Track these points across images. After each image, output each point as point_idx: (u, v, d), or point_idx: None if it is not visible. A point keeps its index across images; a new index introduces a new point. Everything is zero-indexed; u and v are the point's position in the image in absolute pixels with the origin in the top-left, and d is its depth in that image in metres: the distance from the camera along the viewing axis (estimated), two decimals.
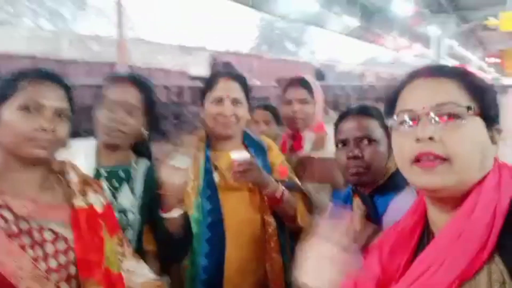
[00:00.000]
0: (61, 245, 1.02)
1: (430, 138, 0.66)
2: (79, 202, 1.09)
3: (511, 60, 23.70)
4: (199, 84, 11.30)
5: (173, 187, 1.31)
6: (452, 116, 0.67)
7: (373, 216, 1.17)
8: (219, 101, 1.53)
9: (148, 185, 1.42)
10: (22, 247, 0.95)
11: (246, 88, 1.60)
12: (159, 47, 12.07)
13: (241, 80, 1.60)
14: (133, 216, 1.38)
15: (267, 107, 2.44)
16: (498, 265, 0.61)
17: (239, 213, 1.54)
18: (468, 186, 0.67)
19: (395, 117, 0.74)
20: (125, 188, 1.41)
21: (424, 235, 0.75)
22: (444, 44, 17.24)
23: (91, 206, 1.11)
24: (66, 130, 1.07)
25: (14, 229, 0.96)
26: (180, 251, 1.43)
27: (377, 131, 1.22)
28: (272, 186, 1.50)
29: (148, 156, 1.53)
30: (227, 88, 1.55)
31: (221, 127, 1.54)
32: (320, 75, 19.16)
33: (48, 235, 1.01)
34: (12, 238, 0.94)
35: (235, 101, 1.54)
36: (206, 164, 1.55)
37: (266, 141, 1.72)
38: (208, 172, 1.54)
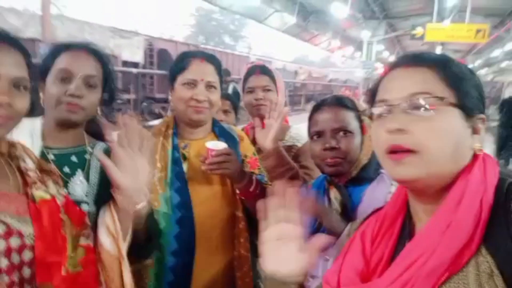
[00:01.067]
0: (14, 242, 0.84)
1: (400, 130, 0.65)
2: (40, 193, 0.91)
3: None
4: (132, 69, 10.77)
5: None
6: (424, 106, 0.65)
7: (349, 206, 1.18)
8: (192, 84, 1.39)
9: (105, 170, 1.24)
10: None
11: (220, 71, 1.48)
12: (87, 26, 11.15)
13: (216, 63, 1.46)
14: (88, 207, 1.19)
15: (227, 97, 2.33)
16: (485, 256, 0.59)
17: (210, 208, 1.42)
18: (442, 178, 0.65)
19: (373, 107, 0.73)
20: (79, 175, 1.22)
21: (406, 225, 0.74)
22: (373, 49, 18.30)
23: (53, 199, 0.93)
24: (25, 103, 0.87)
25: None
26: (143, 249, 1.26)
27: (353, 123, 1.21)
28: (247, 180, 1.40)
29: (101, 137, 1.32)
30: (201, 71, 1.41)
31: (193, 112, 1.40)
32: None
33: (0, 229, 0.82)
34: None
35: (209, 85, 1.41)
36: (175, 153, 1.41)
37: (237, 131, 1.61)
38: (176, 162, 1.40)
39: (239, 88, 2.04)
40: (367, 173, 1.20)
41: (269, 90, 1.81)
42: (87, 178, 1.22)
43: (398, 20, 18.55)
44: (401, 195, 0.76)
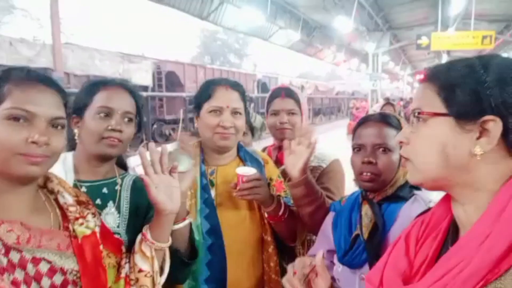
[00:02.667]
0: (58, 279, 0.85)
1: (401, 142, 0.74)
2: (82, 229, 0.92)
3: None
4: (142, 93, 10.96)
5: (181, 194, 1.09)
6: (416, 120, 0.72)
7: (380, 225, 1.18)
8: (218, 111, 1.41)
9: (135, 201, 1.25)
10: (15, 284, 0.78)
11: (244, 97, 1.49)
12: (96, 53, 11.40)
13: (240, 90, 1.48)
14: (120, 238, 1.20)
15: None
16: None
17: (239, 233, 1.42)
18: (445, 181, 0.69)
19: None
20: (110, 206, 1.24)
21: (451, 228, 0.74)
22: (379, 60, 18.36)
23: (94, 233, 0.94)
24: (62, 142, 0.89)
25: (4, 262, 0.78)
26: (186, 267, 1.22)
27: (393, 141, 1.22)
28: (276, 204, 1.40)
29: (123, 167, 1.38)
30: (226, 98, 1.42)
31: (219, 138, 1.41)
32: (264, 87, 19.55)
33: (43, 267, 0.83)
34: (2, 273, 0.77)
35: (234, 112, 1.42)
36: (202, 180, 1.41)
37: (261, 154, 1.61)
38: (205, 189, 1.40)
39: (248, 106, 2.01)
40: (403, 192, 1.21)
41: (293, 113, 1.81)
42: (118, 209, 1.24)
43: (402, 31, 18.65)
44: (445, 199, 0.77)
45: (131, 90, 1.31)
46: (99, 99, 1.23)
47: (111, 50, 12.52)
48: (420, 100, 0.72)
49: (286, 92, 1.83)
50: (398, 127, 1.24)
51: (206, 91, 1.45)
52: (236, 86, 1.47)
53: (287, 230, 1.46)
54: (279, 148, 1.87)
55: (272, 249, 1.46)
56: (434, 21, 14.25)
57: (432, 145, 0.68)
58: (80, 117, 1.24)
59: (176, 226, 1.13)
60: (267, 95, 1.93)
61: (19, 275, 0.79)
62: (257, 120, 2.75)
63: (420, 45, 13.62)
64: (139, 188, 1.28)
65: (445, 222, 0.75)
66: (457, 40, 13.12)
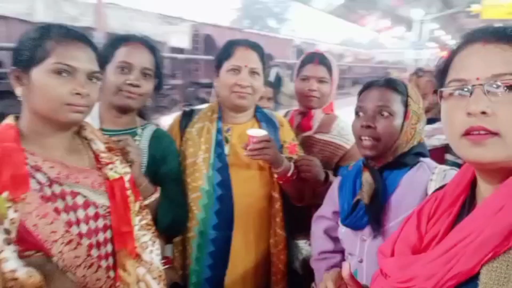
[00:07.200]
0: (91, 211, 1.00)
1: (483, 113, 0.62)
2: (112, 174, 1.06)
3: None
4: (178, 55, 11.02)
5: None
6: (509, 88, 0.62)
7: (381, 192, 1.19)
8: (237, 70, 1.47)
9: (152, 150, 1.37)
10: (56, 211, 0.93)
11: (263, 58, 1.54)
12: (137, 14, 11.62)
13: (259, 51, 1.53)
14: None
15: (270, 84, 2.39)
16: None
17: (248, 188, 1.52)
18: None
19: (445, 86, 0.69)
20: None
21: (466, 205, 0.73)
22: (426, 28, 17.37)
23: (121, 177, 1.08)
24: (97, 93, 1.02)
25: (48, 192, 0.93)
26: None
27: (396, 105, 1.20)
28: (285, 166, 1.46)
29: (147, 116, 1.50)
30: (245, 58, 1.48)
31: (236, 97, 1.48)
32: (301, 53, 19.17)
33: (79, 200, 0.98)
34: (47, 201, 0.92)
35: (252, 72, 1.48)
36: (218, 136, 1.51)
37: (278, 117, 1.67)
38: (219, 144, 1.51)
39: (282, 72, 1.99)
40: (404, 159, 1.21)
41: (324, 81, 1.78)
42: None
43: None
44: (466, 175, 0.74)
45: (152, 47, 1.38)
46: (120, 55, 1.32)
47: (151, 11, 12.65)
48: (507, 65, 0.63)
49: (320, 59, 1.80)
50: (404, 94, 1.21)
51: (226, 51, 1.51)
52: (255, 47, 1.52)
53: (294, 191, 1.55)
54: (303, 114, 1.86)
55: (279, 206, 1.55)
56: None
57: None
58: (104, 69, 1.35)
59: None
60: (300, 58, 1.89)
61: (60, 204, 0.94)
62: (291, 88, 2.72)
63: (469, 13, 12.73)
64: (158, 137, 1.40)
65: (460, 199, 0.73)
66: (511, 9, 12.14)
